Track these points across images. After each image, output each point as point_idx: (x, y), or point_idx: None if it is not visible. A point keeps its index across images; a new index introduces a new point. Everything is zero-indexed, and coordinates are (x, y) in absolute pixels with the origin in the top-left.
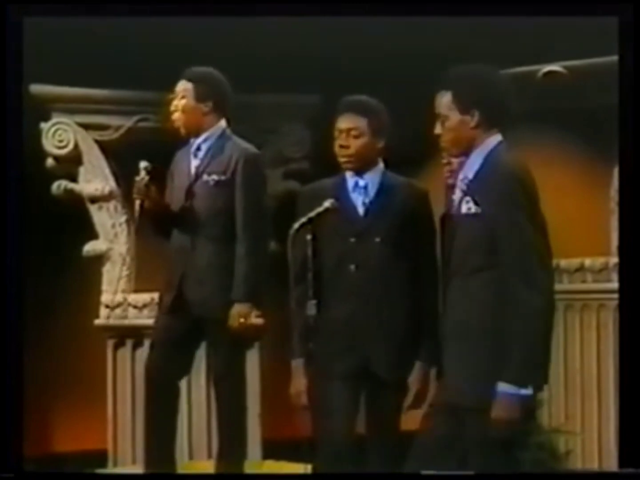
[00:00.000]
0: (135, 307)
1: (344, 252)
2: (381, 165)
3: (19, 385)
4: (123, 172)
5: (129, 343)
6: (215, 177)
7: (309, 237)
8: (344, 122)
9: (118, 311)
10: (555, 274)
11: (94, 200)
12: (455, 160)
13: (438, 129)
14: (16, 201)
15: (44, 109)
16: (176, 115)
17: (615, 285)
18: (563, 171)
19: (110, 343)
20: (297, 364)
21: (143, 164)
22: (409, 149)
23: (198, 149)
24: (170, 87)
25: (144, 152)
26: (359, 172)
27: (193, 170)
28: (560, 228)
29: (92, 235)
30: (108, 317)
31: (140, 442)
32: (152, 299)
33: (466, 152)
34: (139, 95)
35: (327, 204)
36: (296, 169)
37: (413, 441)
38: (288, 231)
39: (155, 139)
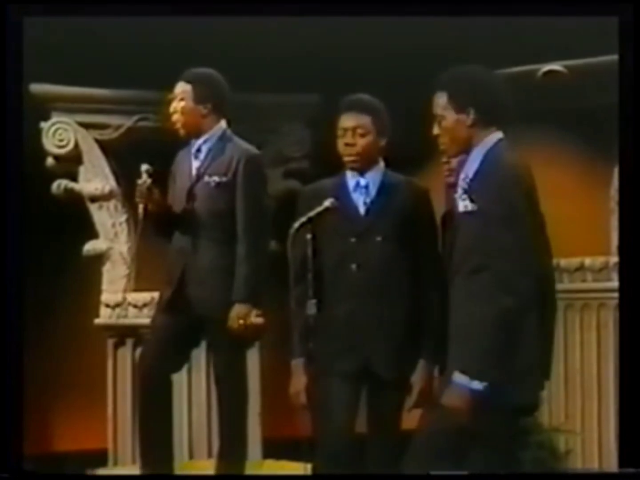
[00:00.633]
0: (135, 306)
1: (345, 251)
2: (382, 164)
3: (19, 385)
4: (123, 172)
5: (129, 342)
6: (216, 178)
7: (309, 236)
8: (349, 121)
9: (118, 310)
10: (556, 273)
11: (94, 199)
12: (454, 159)
13: (436, 130)
14: (16, 200)
15: (44, 109)
16: (175, 117)
17: (615, 284)
18: (563, 171)
19: (110, 342)
20: (297, 364)
21: (144, 167)
22: (409, 148)
23: (199, 150)
24: (170, 86)
25: (144, 151)
26: (361, 172)
27: (194, 171)
28: (561, 227)
29: (92, 234)
30: (109, 317)
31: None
32: (152, 298)
33: (465, 151)
34: (139, 94)
35: (327, 203)
36: (296, 168)
37: (413, 440)
38: (288, 231)
39: (155, 139)
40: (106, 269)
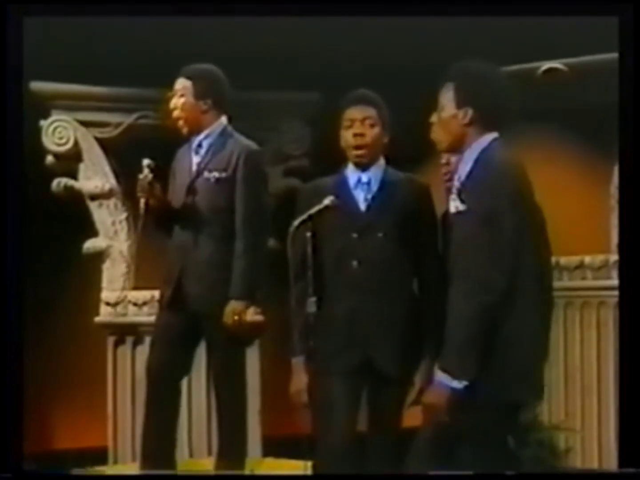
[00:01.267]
0: (135, 304)
1: (345, 248)
2: (382, 161)
3: (19, 383)
4: (123, 170)
5: (129, 340)
6: (216, 174)
7: (309, 234)
8: (357, 112)
9: (118, 308)
10: (555, 271)
11: (94, 197)
12: (452, 161)
13: (433, 118)
14: (16, 199)
15: (44, 107)
16: (176, 114)
17: (615, 282)
18: (563, 169)
19: (110, 340)
20: (298, 362)
21: (146, 162)
22: (409, 146)
23: (199, 145)
24: (169, 84)
25: (143, 149)
26: (362, 168)
27: (194, 167)
28: (560, 225)
29: (92, 232)
30: (109, 315)
31: (140, 440)
32: (152, 296)
33: (455, 148)
34: (138, 92)
35: (326, 201)
36: (296, 166)
37: (414, 438)
38: (288, 228)
39: (155, 136)
40: (106, 267)
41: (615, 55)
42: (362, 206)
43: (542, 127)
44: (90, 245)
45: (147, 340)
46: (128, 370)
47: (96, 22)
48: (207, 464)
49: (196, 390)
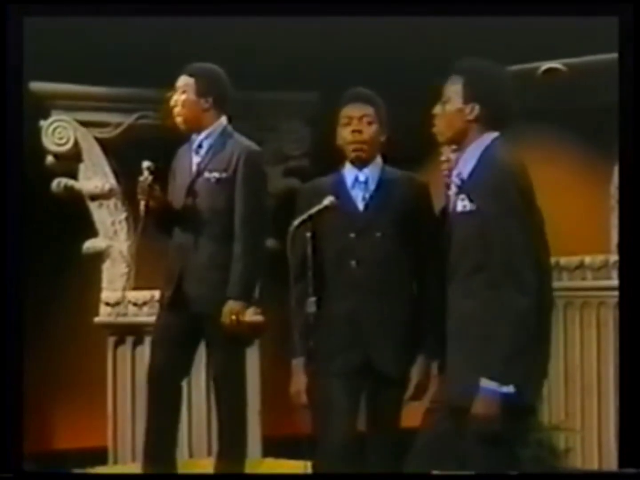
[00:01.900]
0: (135, 304)
1: (344, 247)
2: (380, 160)
3: (19, 383)
4: (123, 170)
5: (129, 340)
6: (216, 174)
7: (308, 234)
8: (355, 109)
9: (118, 308)
10: (555, 272)
11: (93, 197)
12: (453, 157)
13: (437, 109)
14: (16, 199)
15: (44, 107)
16: (176, 110)
17: (615, 282)
18: (563, 169)
19: (110, 340)
20: (298, 363)
21: (146, 164)
22: (407, 146)
23: (199, 146)
24: (170, 84)
25: (143, 149)
26: (359, 166)
27: (194, 167)
28: (560, 226)
29: (92, 232)
30: (109, 315)
31: (141, 439)
32: (152, 297)
33: (455, 142)
34: (138, 92)
35: (326, 201)
36: (296, 166)
37: (414, 438)
38: (288, 229)
39: (155, 136)
40: (106, 267)
41: (615, 55)
42: (360, 205)
43: (542, 127)
44: (90, 245)
45: (147, 340)
46: (128, 371)
47: (96, 22)
48: (207, 464)
49: (196, 390)
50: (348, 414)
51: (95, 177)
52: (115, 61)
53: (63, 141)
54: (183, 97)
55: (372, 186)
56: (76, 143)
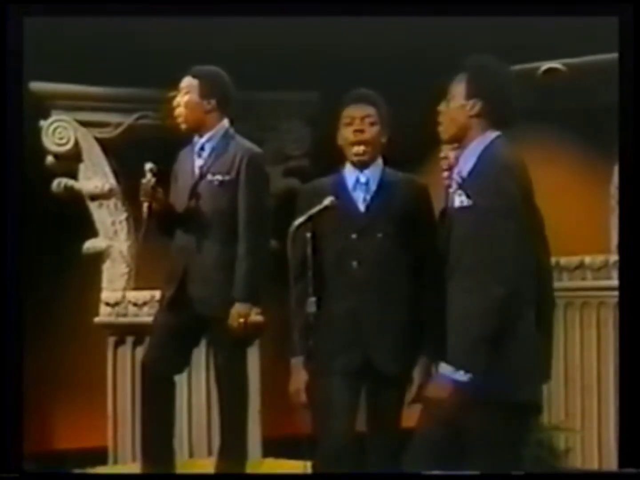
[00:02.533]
0: (135, 304)
1: (345, 248)
2: (380, 161)
3: (19, 383)
4: (123, 170)
5: (129, 341)
6: (219, 177)
7: (308, 234)
8: (357, 110)
9: (118, 309)
10: (555, 272)
11: (94, 197)
12: (452, 155)
13: (442, 106)
14: (16, 199)
15: (44, 107)
16: (179, 111)
17: (615, 282)
18: (563, 169)
19: (110, 341)
20: (297, 362)
21: (148, 166)
22: (407, 147)
23: (202, 148)
24: (170, 84)
25: (144, 149)
26: (360, 167)
27: (197, 170)
28: (560, 226)
29: (92, 232)
30: (109, 315)
31: (140, 438)
32: (152, 297)
33: (457, 139)
34: (138, 92)
35: (326, 202)
36: (296, 166)
37: (414, 438)
38: (288, 229)
39: (155, 137)
40: (106, 267)
41: (615, 55)
42: (361, 207)
43: (542, 127)
44: (90, 245)
45: (147, 340)
46: (128, 371)
47: (96, 22)
48: (207, 464)
49: (196, 390)
50: (348, 414)
51: (95, 177)
52: (115, 61)
53: (63, 141)
54: (186, 98)
55: (373, 187)
56: (76, 143)
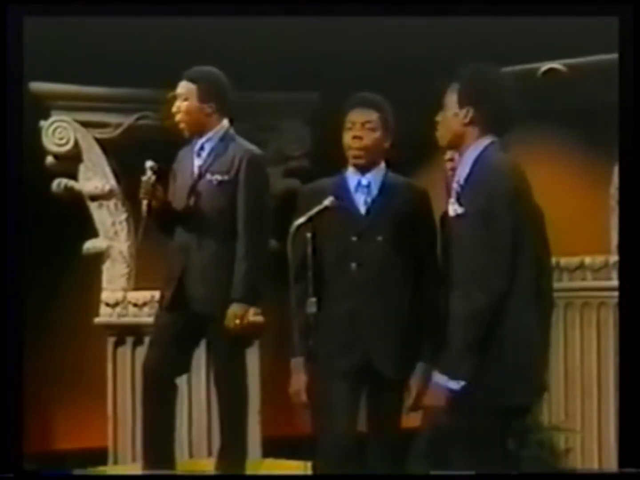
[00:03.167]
0: (135, 305)
1: (345, 250)
2: (383, 165)
3: (19, 383)
4: (123, 170)
5: (129, 341)
6: (218, 176)
7: (309, 235)
8: (358, 115)
9: (118, 309)
10: (556, 272)
11: (94, 198)
12: (457, 157)
13: (439, 117)
14: (16, 199)
15: (44, 107)
16: (179, 117)
17: (615, 283)
18: (563, 169)
19: (110, 341)
20: (297, 362)
21: (149, 164)
22: (410, 150)
23: (201, 148)
24: (169, 85)
25: (143, 150)
26: (362, 171)
27: (196, 169)
28: (561, 226)
29: (92, 233)
30: (110, 315)
31: (140, 439)
32: (152, 297)
33: (455, 147)
34: (138, 92)
35: (326, 202)
36: (296, 166)
37: (414, 439)
38: (288, 229)
39: (155, 137)
40: (106, 267)
41: (615, 55)
42: (362, 209)
43: (542, 127)
44: (90, 245)
45: (147, 341)
46: (128, 371)
47: (96, 22)
48: (207, 465)
49: (196, 391)
50: (348, 415)
51: (95, 177)
52: (115, 61)
53: (63, 142)
54: (186, 103)
55: (374, 191)
56: (76, 143)
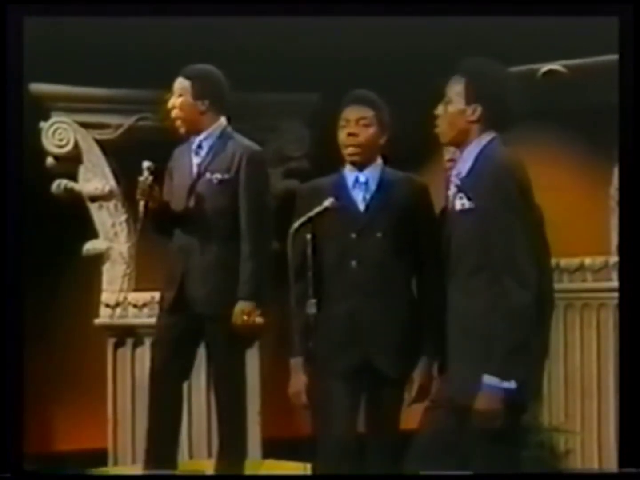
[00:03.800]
0: (135, 306)
1: (345, 248)
2: (380, 161)
3: (19, 384)
4: (123, 171)
5: (129, 342)
6: (218, 175)
7: (308, 235)
8: (352, 112)
9: (118, 310)
10: (556, 273)
11: (93, 199)
12: (456, 153)
13: (439, 110)
14: (16, 200)
15: (44, 108)
16: (174, 113)
17: (615, 284)
18: (563, 170)
19: (110, 342)
20: (296, 362)
21: (146, 164)
22: (407, 147)
23: (199, 146)
24: (169, 86)
25: (143, 150)
26: (359, 167)
27: (195, 168)
28: (560, 227)
29: (92, 234)
30: (109, 317)
31: (141, 441)
32: (152, 298)
33: (457, 143)
34: (138, 94)
35: (326, 203)
36: (296, 167)
37: (414, 439)
38: (288, 230)
39: (155, 138)
40: (106, 268)
41: (615, 55)
42: (361, 206)
43: (542, 128)
44: (90, 246)
45: (147, 342)
46: (128, 372)
47: (96, 22)
48: (207, 465)
49: (196, 391)
50: (348, 415)
51: (95, 178)
52: (115, 62)
53: (63, 143)
54: (180, 100)
55: (372, 187)
56: (76, 144)
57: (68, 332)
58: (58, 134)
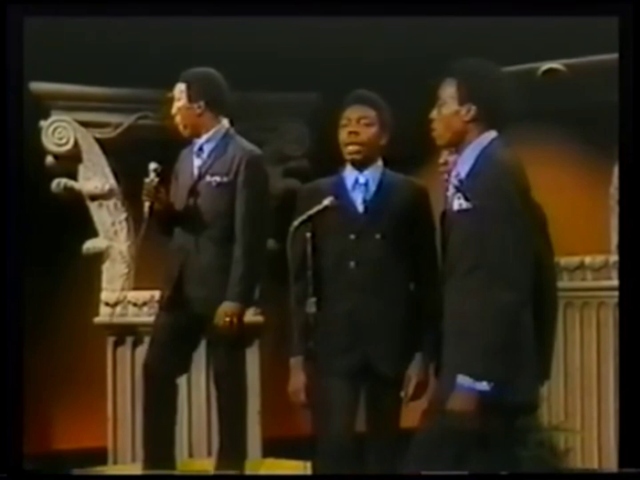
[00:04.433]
0: (135, 304)
1: (344, 249)
2: (380, 162)
3: (19, 383)
4: (123, 170)
5: (129, 341)
6: (217, 178)
7: (308, 235)
8: (354, 111)
9: (118, 309)
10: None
11: (93, 198)
12: (451, 160)
13: (434, 114)
14: (16, 199)
15: (44, 107)
16: (177, 119)
17: (615, 282)
18: (563, 169)
19: (110, 341)
20: (296, 361)
21: (152, 166)
22: (407, 148)
23: (200, 149)
24: (169, 85)
25: (143, 149)
26: (359, 168)
27: (196, 170)
28: (560, 226)
29: (92, 233)
30: (109, 315)
31: (140, 439)
32: (152, 297)
33: (455, 144)
34: (138, 93)
35: (326, 202)
36: (296, 167)
37: (412, 439)
38: (287, 229)
39: (154, 137)
40: (106, 267)
41: (615, 55)
42: (360, 208)
43: (542, 127)
44: (90, 245)
45: (147, 341)
46: (128, 371)
47: (96, 22)
48: (207, 464)
49: (196, 391)
50: (347, 415)
51: (95, 177)
52: (115, 61)
53: (63, 141)
54: (178, 104)
55: (372, 188)
56: (76, 143)
57: (68, 330)
58: (58, 132)
